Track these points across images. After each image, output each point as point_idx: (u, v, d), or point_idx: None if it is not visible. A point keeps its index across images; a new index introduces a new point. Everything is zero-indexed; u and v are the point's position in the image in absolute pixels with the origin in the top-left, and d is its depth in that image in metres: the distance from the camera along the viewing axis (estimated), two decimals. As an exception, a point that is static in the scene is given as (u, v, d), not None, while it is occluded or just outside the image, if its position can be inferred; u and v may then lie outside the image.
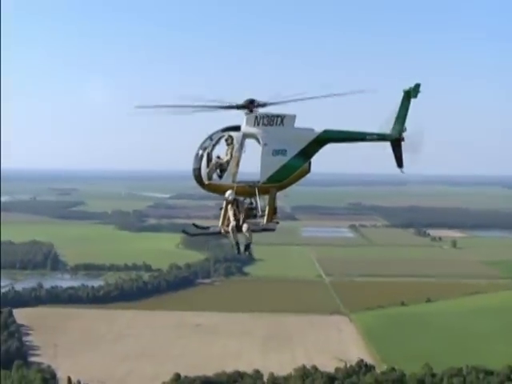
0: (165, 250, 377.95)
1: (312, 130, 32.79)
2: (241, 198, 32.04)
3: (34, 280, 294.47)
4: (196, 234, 35.28)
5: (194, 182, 32.34)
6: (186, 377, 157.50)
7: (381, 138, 33.24)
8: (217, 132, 31.96)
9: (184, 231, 35.43)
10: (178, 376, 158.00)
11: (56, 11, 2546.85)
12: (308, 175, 33.36)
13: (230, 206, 31.80)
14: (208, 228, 34.22)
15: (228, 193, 31.27)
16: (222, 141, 32.11)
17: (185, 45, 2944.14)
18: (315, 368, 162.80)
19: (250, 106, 31.99)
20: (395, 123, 33.01)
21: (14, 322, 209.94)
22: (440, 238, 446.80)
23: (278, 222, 32.68)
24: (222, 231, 32.40)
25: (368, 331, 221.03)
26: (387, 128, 33.39)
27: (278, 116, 31.85)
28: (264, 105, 32.04)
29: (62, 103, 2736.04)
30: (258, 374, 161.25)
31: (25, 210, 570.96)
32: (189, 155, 32.56)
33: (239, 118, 32.57)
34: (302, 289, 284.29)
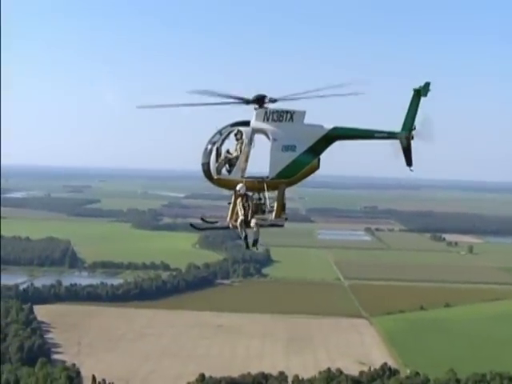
0: (181, 250, 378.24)
1: (321, 126, 32.69)
2: (250, 193, 31.82)
3: (51, 277, 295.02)
4: (204, 229, 35.53)
5: (207, 182, 32.18)
6: (210, 377, 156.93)
7: (390, 135, 33.16)
8: (226, 127, 31.79)
9: (192, 225, 35.17)
10: (202, 376, 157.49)
11: (60, 9, 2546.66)
12: (321, 178, 33.37)
13: (239, 201, 31.50)
14: (216, 222, 34.24)
15: (239, 186, 31.05)
16: (232, 136, 31.88)
17: (195, 42, 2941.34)
18: (340, 371, 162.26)
19: (260, 101, 31.84)
20: (405, 121, 32.98)
21: (35, 318, 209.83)
22: (456, 244, 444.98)
23: (286, 218, 32.61)
24: (230, 226, 32.19)
25: (389, 335, 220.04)
26: (397, 126, 33.31)
27: (287, 112, 31.77)
28: (274, 100, 31.91)
29: (77, 100, 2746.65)
30: (282, 376, 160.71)
31: (40, 206, 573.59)
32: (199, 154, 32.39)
33: (250, 114, 32.32)
34: (321, 291, 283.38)
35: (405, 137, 32.96)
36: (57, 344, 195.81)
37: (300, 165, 32.05)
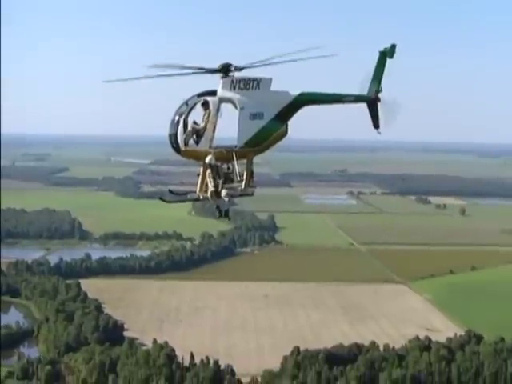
0: (179, 217, 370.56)
1: (288, 92, 32.33)
2: (218, 163, 31.30)
3: (67, 250, 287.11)
4: (174, 201, 35.30)
5: (168, 149, 31.21)
6: (306, 350, 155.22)
7: (357, 99, 33.29)
8: (192, 97, 30.96)
9: (161, 199, 35.15)
10: (297, 349, 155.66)
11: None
12: (285, 141, 32.94)
13: (208, 172, 31.07)
14: (185, 194, 33.92)
15: (209, 158, 30.51)
16: (199, 106, 31.09)
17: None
18: (428, 339, 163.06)
19: (225, 70, 31.06)
20: (371, 84, 33.08)
21: (86, 295, 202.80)
22: (445, 206, 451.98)
23: (254, 186, 32.58)
24: (201, 197, 32.05)
25: (437, 300, 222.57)
26: (364, 89, 33.39)
27: (254, 79, 31.27)
28: (240, 69, 31.19)
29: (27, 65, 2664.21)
30: (374, 346, 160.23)
31: (11, 176, 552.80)
32: (161, 121, 32.01)
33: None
34: (343, 257, 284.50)
35: (372, 100, 33.09)
36: (117, 321, 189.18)
37: (268, 132, 31.61)
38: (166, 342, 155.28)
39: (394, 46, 32.45)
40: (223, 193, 30.85)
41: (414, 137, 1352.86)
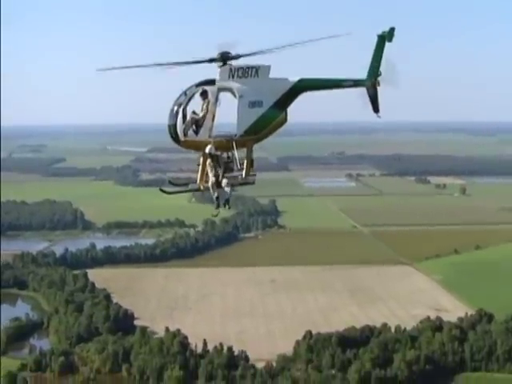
0: (181, 205, 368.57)
1: (287, 79, 32.21)
2: (218, 153, 31.10)
3: (70, 241, 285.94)
4: (175, 192, 35.28)
5: (164, 137, 30.98)
6: (319, 334, 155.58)
7: (357, 83, 33.03)
8: (191, 87, 30.67)
9: (162, 190, 34.65)
10: (309, 333, 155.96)
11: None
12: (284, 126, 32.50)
13: (208, 162, 30.96)
14: (186, 185, 33.82)
15: (208, 147, 30.25)
16: (197, 96, 30.78)
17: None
18: (440, 319, 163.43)
19: (224, 58, 30.72)
20: (370, 68, 32.75)
21: (94, 285, 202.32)
22: (444, 186, 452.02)
23: (255, 175, 32.37)
24: (202, 187, 31.81)
25: (444, 280, 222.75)
26: (363, 73, 33.04)
27: (252, 67, 31.06)
28: (238, 57, 30.85)
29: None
30: (385, 328, 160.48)
31: (10, 168, 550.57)
32: (158, 108, 32.06)
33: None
34: (346, 240, 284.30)
35: (371, 84, 32.77)
36: (128, 310, 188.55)
37: (268, 120, 31.50)
38: (179, 330, 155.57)
39: (392, 30, 31.91)
40: (224, 182, 30.65)
41: (406, 116, 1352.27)
